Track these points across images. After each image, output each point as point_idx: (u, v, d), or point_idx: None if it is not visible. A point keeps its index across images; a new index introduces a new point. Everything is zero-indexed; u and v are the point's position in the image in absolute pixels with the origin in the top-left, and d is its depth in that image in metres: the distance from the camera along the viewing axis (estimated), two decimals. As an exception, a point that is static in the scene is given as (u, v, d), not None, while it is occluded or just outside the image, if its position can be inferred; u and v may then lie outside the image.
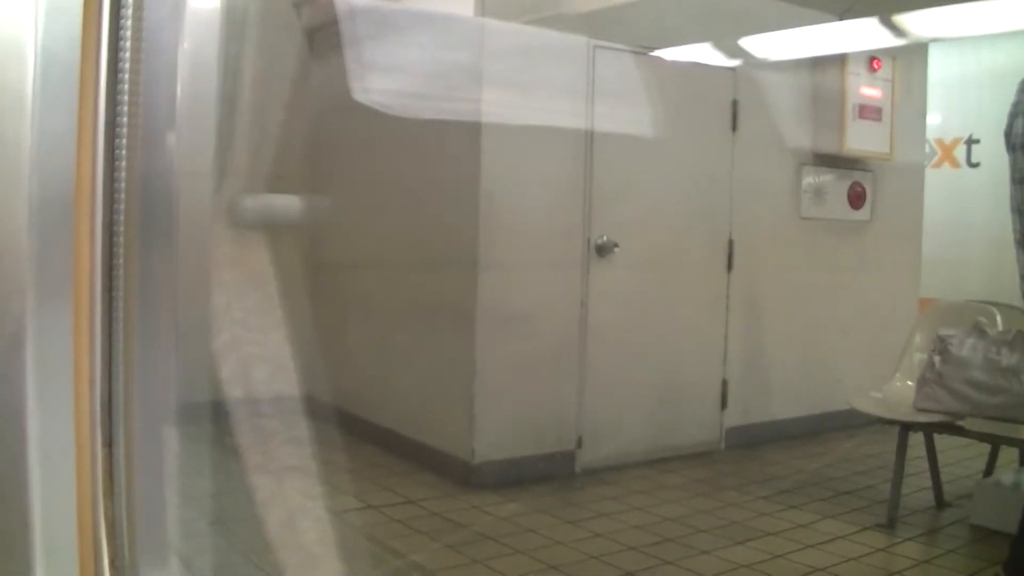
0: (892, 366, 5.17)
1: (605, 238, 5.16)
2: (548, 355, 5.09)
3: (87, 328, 1.28)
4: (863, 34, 5.71)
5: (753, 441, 5.85)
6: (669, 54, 5.39)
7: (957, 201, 7.80)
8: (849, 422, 6.09)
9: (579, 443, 5.19)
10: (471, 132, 4.82)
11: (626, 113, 5.25)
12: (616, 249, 5.17)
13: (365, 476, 5.06)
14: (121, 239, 1.35)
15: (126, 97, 1.33)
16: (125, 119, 1.34)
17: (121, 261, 1.35)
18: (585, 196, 5.11)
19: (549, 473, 5.11)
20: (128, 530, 1.40)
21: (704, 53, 5.56)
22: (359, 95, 4.90)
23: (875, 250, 6.45)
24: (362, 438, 5.60)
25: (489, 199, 4.81)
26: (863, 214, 6.34)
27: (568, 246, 5.10)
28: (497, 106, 4.91)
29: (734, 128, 5.64)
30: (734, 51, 5.56)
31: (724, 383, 5.76)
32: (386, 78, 5.00)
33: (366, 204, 5.75)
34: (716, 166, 5.62)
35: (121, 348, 1.36)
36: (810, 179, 6.06)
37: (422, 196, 5.28)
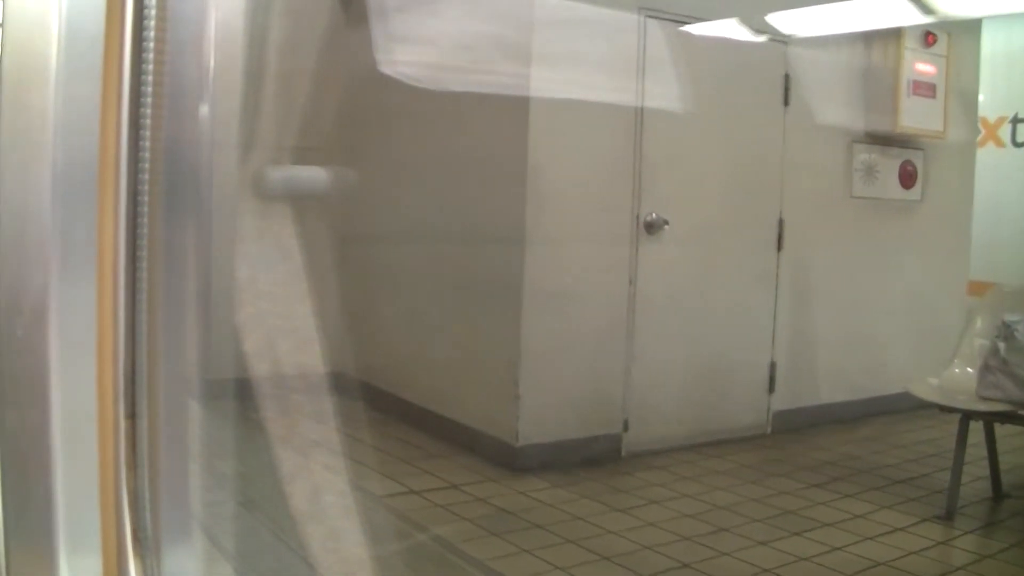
0: (946, 351, 4.90)
1: (655, 215, 4.87)
2: (595, 334, 4.82)
3: (111, 299, 1.24)
4: (894, 10, 5.37)
5: (800, 426, 5.57)
6: (700, 28, 5.07)
7: (1000, 181, 7.45)
8: (894, 407, 5.83)
9: (625, 426, 4.92)
10: (519, 104, 4.53)
11: (676, 86, 4.95)
12: (666, 227, 4.88)
13: (403, 458, 4.80)
14: (145, 209, 1.31)
15: (151, 67, 1.28)
16: (150, 88, 1.29)
17: (145, 231, 1.31)
18: (635, 171, 4.82)
19: (594, 457, 4.85)
20: (151, 502, 1.37)
21: (730, 28, 5.23)
22: (400, 68, 4.64)
23: (925, 231, 6.13)
24: (397, 417, 5.35)
25: (537, 173, 4.53)
26: (914, 194, 6.03)
27: (617, 222, 4.82)
28: (545, 79, 4.62)
29: (786, 103, 5.34)
30: (761, 26, 5.23)
31: (772, 365, 5.47)
32: (429, 50, 4.73)
33: (407, 176, 5.46)
34: (767, 142, 5.32)
35: (145, 319, 1.32)
36: (862, 157, 5.75)
37: (466, 168, 4.99)
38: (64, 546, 1.23)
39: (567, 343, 4.71)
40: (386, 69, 4.65)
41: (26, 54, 1.18)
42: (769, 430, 5.50)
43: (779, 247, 5.40)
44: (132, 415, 1.35)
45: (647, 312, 4.91)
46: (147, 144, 1.31)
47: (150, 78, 1.29)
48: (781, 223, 5.39)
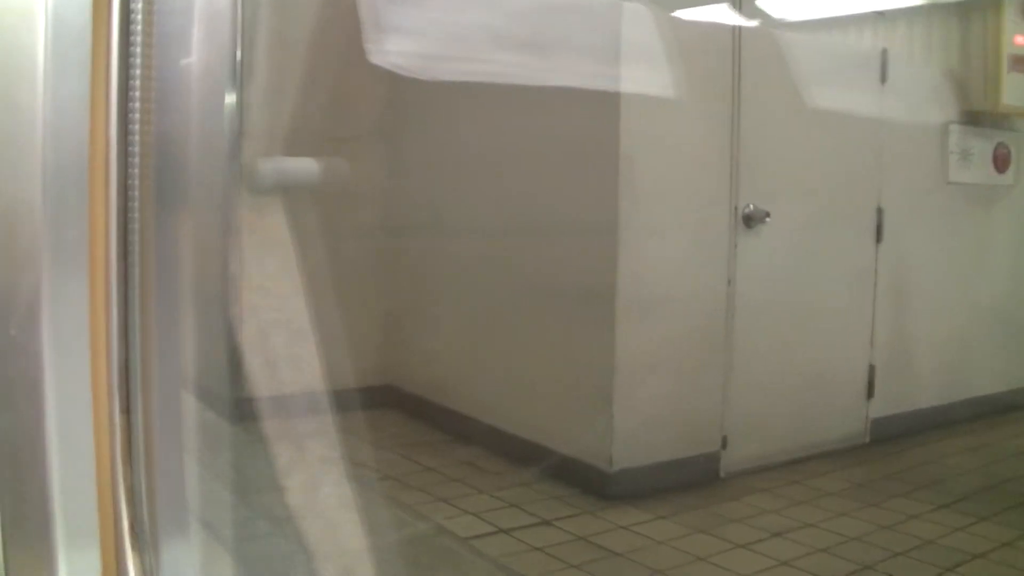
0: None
1: (752, 207, 4.17)
2: (691, 342, 4.12)
3: (103, 294, 1.22)
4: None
5: (898, 433, 4.87)
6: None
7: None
8: (990, 407, 5.18)
9: (724, 443, 4.22)
10: (606, 95, 3.83)
11: (774, 63, 4.25)
12: (767, 219, 4.17)
13: (479, 487, 4.09)
14: (136, 204, 1.28)
15: (139, 60, 1.24)
16: (138, 83, 1.24)
17: (136, 227, 1.28)
18: (732, 158, 4.11)
19: (690, 479, 4.14)
20: (147, 497, 1.33)
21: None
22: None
23: (1014, 218, 5.43)
24: (463, 438, 4.62)
25: (630, 164, 3.82)
26: (1007, 178, 5.33)
27: (714, 216, 4.11)
28: (635, 75, 3.92)
29: (883, 80, 4.63)
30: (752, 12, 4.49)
31: (871, 369, 4.77)
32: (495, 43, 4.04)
33: (474, 165, 4.70)
34: (863, 123, 4.61)
35: (137, 314, 1.29)
36: (957, 139, 5.04)
37: (545, 159, 4.26)
38: (62, 542, 1.19)
39: (662, 353, 4.01)
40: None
41: (13, 52, 1.15)
42: (868, 440, 4.80)
43: (878, 239, 4.70)
44: (127, 410, 1.30)
45: (746, 315, 4.20)
46: (137, 139, 1.26)
47: (138, 72, 1.24)
48: (880, 212, 4.69)
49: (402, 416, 5.12)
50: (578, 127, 4.04)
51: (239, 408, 2.36)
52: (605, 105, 3.83)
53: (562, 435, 4.14)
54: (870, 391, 4.76)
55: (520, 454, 4.30)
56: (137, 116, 1.26)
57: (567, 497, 3.96)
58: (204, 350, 1.51)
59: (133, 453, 1.32)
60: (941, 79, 4.97)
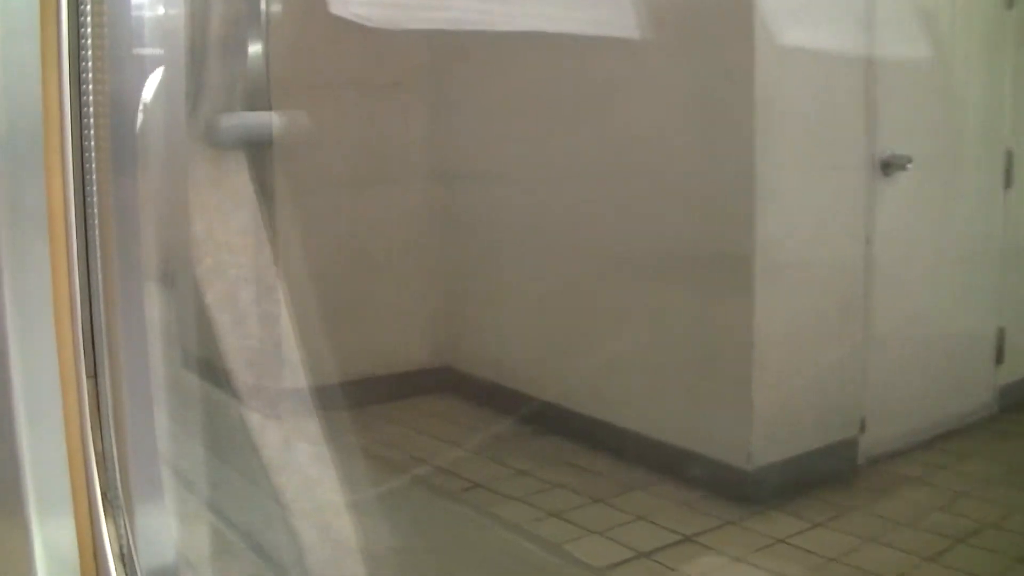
0: None
1: (891, 152, 3.50)
2: (829, 311, 3.46)
3: (64, 259, 1.17)
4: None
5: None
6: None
7: None
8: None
9: (862, 426, 3.57)
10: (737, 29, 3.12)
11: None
12: (908, 166, 3.50)
13: (590, 494, 3.41)
14: (93, 165, 1.23)
15: (89, 19, 1.19)
16: (89, 42, 1.20)
17: (94, 188, 1.23)
18: (867, 96, 3.43)
19: (828, 471, 3.51)
20: (119, 461, 1.30)
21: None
22: None
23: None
24: (553, 431, 3.92)
25: (768, 108, 3.12)
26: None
27: (850, 164, 3.44)
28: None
29: (1009, 6, 3.96)
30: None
31: (1001, 332, 4.13)
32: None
33: (553, 105, 3.94)
34: (988, 50, 3.95)
35: (100, 276, 1.26)
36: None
37: (647, 96, 3.53)
38: (35, 511, 1.15)
39: (800, 327, 3.36)
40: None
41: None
42: (996, 409, 4.17)
43: (1007, 184, 4.05)
44: (94, 374, 1.26)
45: (882, 277, 3.55)
46: (91, 99, 1.21)
47: (89, 31, 1.18)
48: (1009, 155, 4.03)
49: (461, 402, 4.43)
50: (698, 65, 3.32)
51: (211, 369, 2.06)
52: (736, 41, 3.12)
53: (681, 426, 3.47)
54: (999, 356, 4.14)
55: (625, 449, 3.62)
56: (90, 76, 1.19)
57: (695, 502, 3.30)
58: (170, 310, 1.44)
59: (102, 417, 1.27)
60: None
